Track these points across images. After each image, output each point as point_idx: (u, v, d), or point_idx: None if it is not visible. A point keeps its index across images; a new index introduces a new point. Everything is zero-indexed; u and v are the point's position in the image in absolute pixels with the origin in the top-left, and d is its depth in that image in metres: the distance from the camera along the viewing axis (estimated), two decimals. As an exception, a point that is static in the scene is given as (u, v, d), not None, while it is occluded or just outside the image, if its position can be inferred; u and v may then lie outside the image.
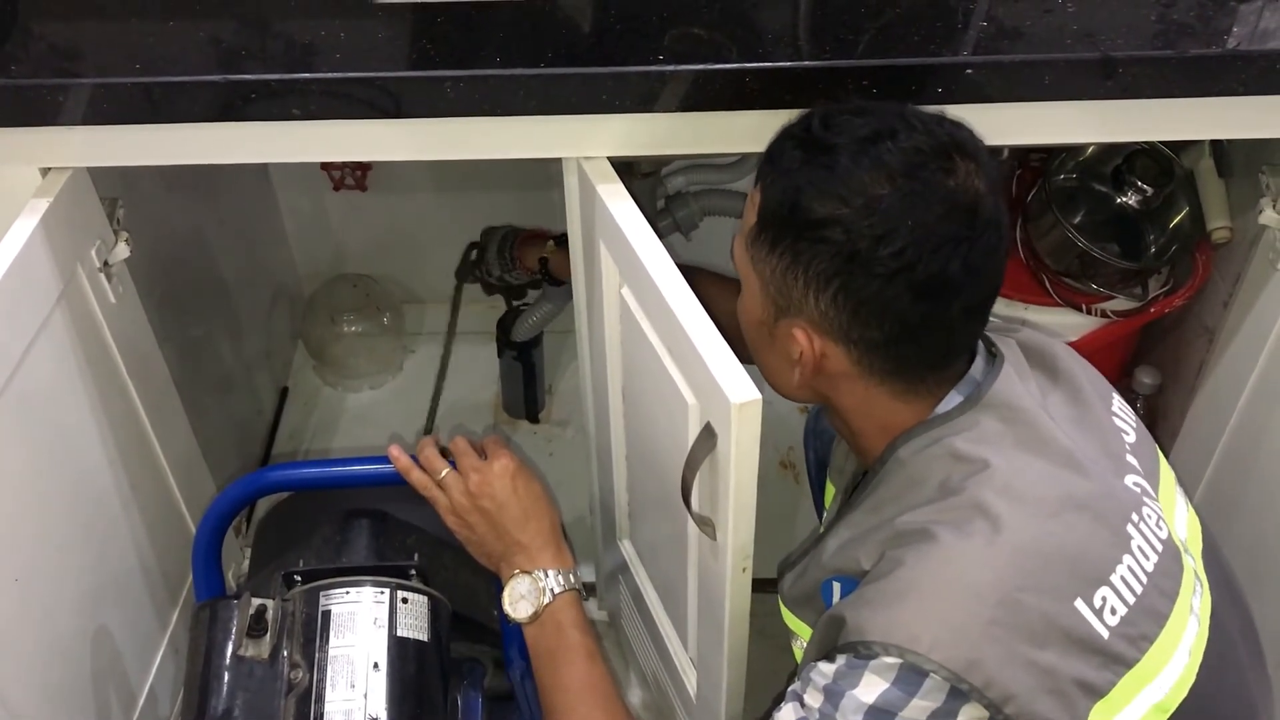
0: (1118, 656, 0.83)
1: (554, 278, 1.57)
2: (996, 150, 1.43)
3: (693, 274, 1.06)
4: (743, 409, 0.87)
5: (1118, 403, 1.01)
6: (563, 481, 1.78)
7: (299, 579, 1.07)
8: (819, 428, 1.39)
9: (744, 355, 0.98)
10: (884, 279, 0.84)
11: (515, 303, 1.80)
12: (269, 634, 1.02)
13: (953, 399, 0.92)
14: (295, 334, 2.12)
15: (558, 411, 2.02)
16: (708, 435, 0.92)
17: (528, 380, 1.91)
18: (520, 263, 1.64)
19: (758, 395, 0.87)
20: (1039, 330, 1.04)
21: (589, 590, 1.64)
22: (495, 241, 1.66)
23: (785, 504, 1.83)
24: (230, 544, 1.54)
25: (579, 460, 1.49)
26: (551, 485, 1.75)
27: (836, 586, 0.94)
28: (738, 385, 0.87)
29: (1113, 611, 0.84)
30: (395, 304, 2.07)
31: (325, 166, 1.94)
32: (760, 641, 1.15)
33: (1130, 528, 0.88)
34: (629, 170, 1.44)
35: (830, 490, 1.18)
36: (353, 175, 1.97)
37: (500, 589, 1.10)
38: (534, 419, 1.99)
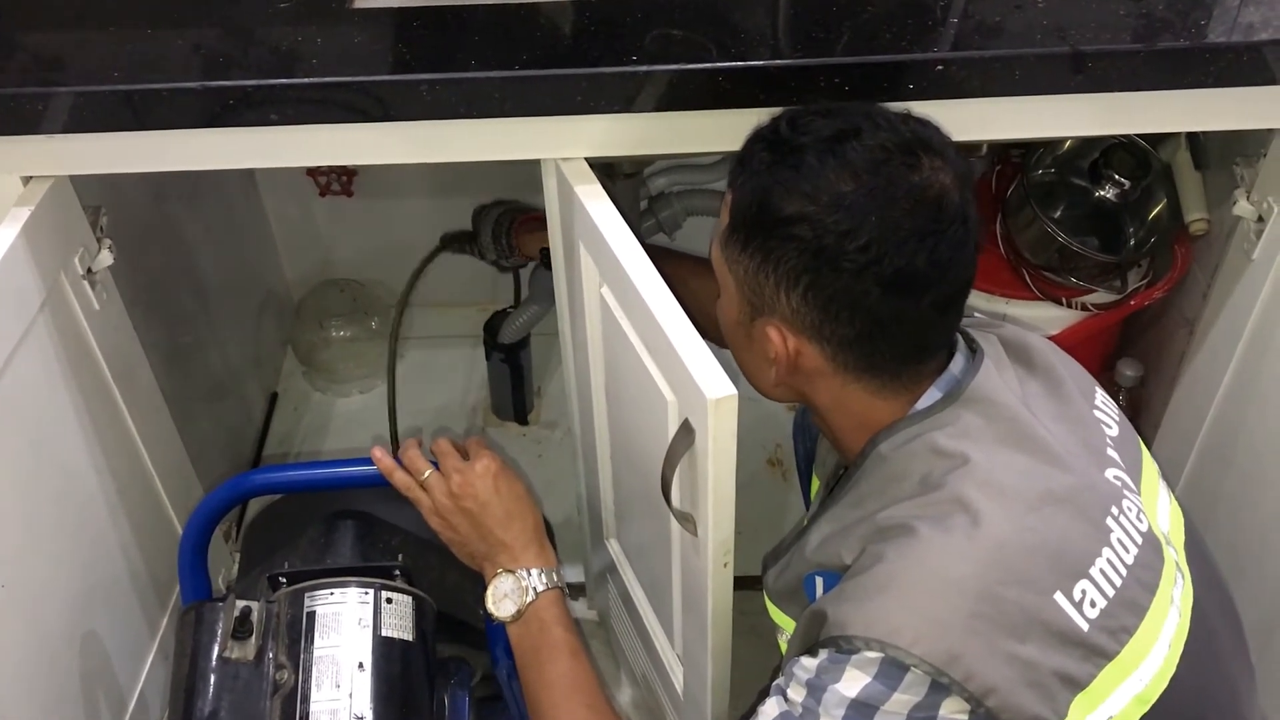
0: (1098, 649, 0.84)
1: None
2: (973, 146, 1.45)
3: (670, 257, 1.06)
4: (719, 404, 0.87)
5: (1100, 396, 1.02)
6: (552, 483, 1.79)
7: (284, 580, 1.08)
8: (807, 422, 1.39)
9: (719, 339, 0.99)
10: (852, 274, 0.85)
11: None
12: (254, 635, 1.02)
13: (932, 395, 0.92)
14: (284, 340, 2.13)
15: (546, 413, 2.02)
16: (686, 431, 0.93)
17: (516, 382, 1.92)
18: (520, 250, 1.60)
19: (733, 391, 0.87)
20: (1020, 325, 1.05)
21: (577, 590, 1.65)
22: (490, 223, 1.61)
23: (773, 501, 1.84)
24: (221, 548, 1.55)
25: (568, 461, 1.50)
26: (540, 487, 1.77)
27: (819, 581, 0.95)
28: (714, 381, 0.88)
29: (1092, 604, 0.84)
30: (383, 308, 2.08)
31: (311, 172, 1.95)
32: (750, 639, 1.15)
33: (1110, 521, 0.88)
34: (611, 171, 1.46)
35: (816, 484, 1.19)
36: (339, 181, 1.97)
37: (484, 588, 1.11)
38: (522, 421, 1.99)
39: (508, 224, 1.59)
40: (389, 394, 1.74)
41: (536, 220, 1.57)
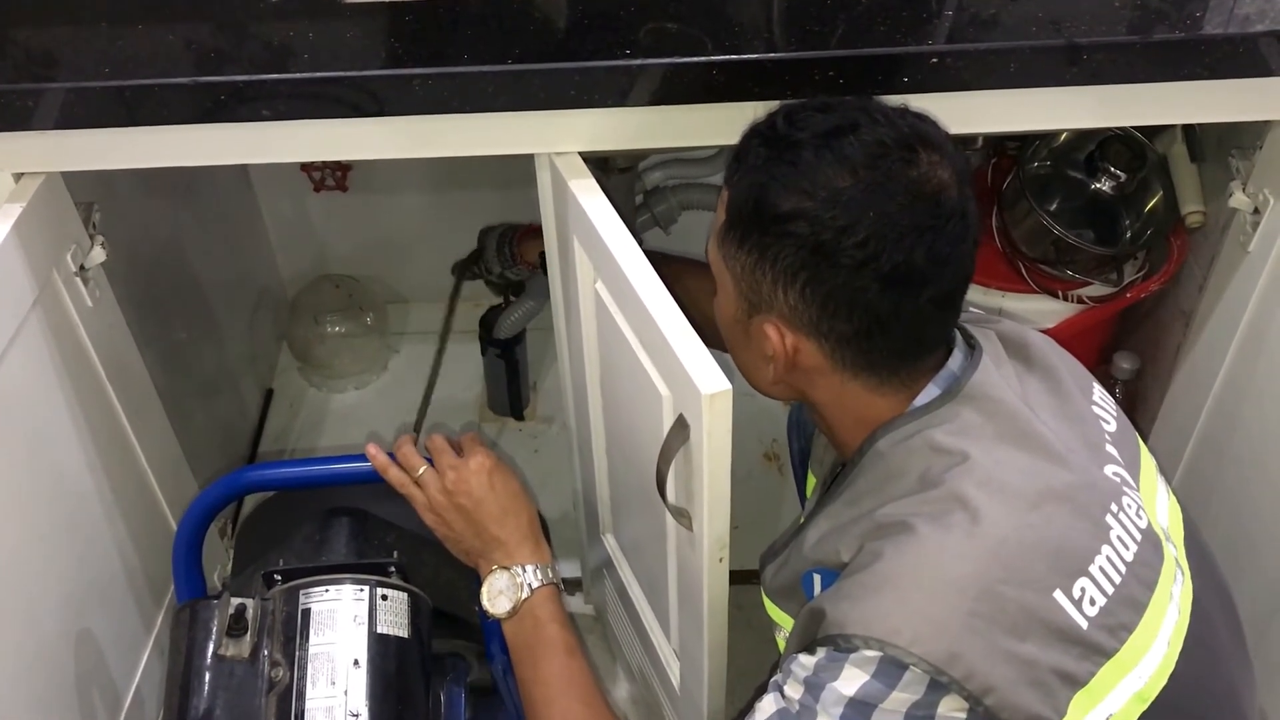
0: (1097, 647, 0.83)
1: None
2: (969, 139, 1.45)
3: (669, 261, 1.06)
4: (713, 399, 0.87)
5: (1098, 392, 1.02)
6: (548, 478, 1.79)
7: (279, 578, 1.08)
8: (802, 418, 1.39)
9: (719, 343, 0.99)
10: (850, 270, 0.84)
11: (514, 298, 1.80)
12: (249, 633, 1.02)
13: (931, 391, 0.92)
14: (279, 336, 2.13)
15: (542, 408, 2.02)
16: (680, 427, 0.93)
17: (511, 377, 1.91)
18: (521, 258, 1.63)
19: (728, 386, 0.87)
20: (1016, 319, 1.05)
21: (573, 585, 1.65)
22: (494, 239, 1.65)
23: (770, 496, 1.84)
24: (216, 545, 1.55)
25: (564, 457, 1.50)
26: (537, 482, 1.77)
27: (817, 578, 0.95)
28: (708, 376, 0.88)
29: (1092, 602, 0.84)
30: (378, 304, 2.08)
31: (305, 168, 1.94)
32: (747, 633, 1.15)
33: (1110, 518, 0.88)
34: (605, 166, 1.45)
35: (812, 481, 1.18)
36: (333, 176, 1.97)
37: (480, 585, 1.10)
38: (518, 416, 1.99)
39: (511, 236, 1.64)
40: (425, 393, 1.74)
41: (537, 230, 1.60)
